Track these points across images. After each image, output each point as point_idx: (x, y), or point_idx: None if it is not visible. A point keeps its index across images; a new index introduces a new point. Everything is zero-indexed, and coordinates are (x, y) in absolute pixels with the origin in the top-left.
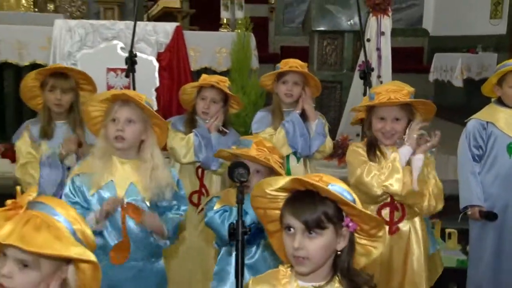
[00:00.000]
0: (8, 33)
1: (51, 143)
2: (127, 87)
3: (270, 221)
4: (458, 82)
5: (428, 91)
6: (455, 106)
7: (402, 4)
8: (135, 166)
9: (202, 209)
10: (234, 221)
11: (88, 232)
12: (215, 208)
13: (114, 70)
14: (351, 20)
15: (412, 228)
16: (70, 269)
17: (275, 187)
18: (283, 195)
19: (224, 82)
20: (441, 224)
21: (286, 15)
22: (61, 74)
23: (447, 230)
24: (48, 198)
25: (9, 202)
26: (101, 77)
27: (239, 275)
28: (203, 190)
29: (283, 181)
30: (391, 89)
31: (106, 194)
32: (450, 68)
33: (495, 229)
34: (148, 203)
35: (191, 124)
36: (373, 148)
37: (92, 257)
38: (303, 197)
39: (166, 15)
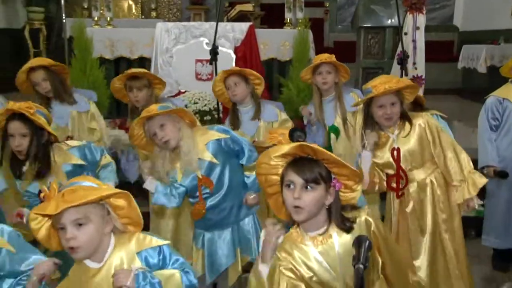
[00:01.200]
0: (122, 35)
1: None
2: (211, 74)
3: (269, 185)
4: (482, 69)
5: (457, 77)
6: (479, 89)
7: (435, 5)
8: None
9: None
10: None
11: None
12: None
13: (201, 61)
14: (392, 18)
15: (434, 180)
16: (112, 215)
17: (281, 153)
18: (283, 163)
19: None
20: None
21: (338, 16)
22: (134, 76)
23: None
24: (75, 178)
25: (42, 195)
26: (191, 66)
27: None
28: None
29: (288, 147)
30: (383, 81)
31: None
32: (476, 57)
33: (507, 185)
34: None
35: (234, 116)
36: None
37: (120, 190)
38: (304, 160)
39: (241, 17)
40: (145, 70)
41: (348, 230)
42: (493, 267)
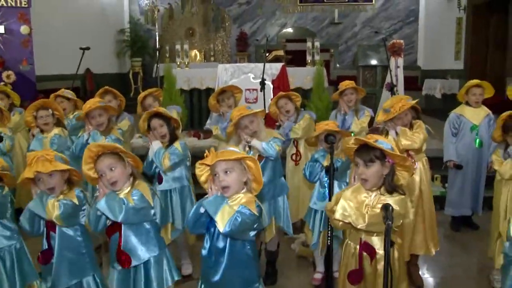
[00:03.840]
0: (194, 73)
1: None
2: (256, 98)
3: (352, 160)
4: (438, 96)
5: (421, 100)
6: (436, 109)
7: (405, 52)
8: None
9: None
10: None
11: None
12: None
13: (249, 89)
14: (380, 60)
15: (422, 166)
16: (247, 170)
17: (349, 143)
18: (355, 147)
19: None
20: (431, 173)
21: (340, 59)
22: (224, 91)
23: (435, 175)
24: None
25: (205, 154)
26: (242, 93)
27: (331, 193)
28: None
29: (352, 139)
30: (395, 102)
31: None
32: (434, 88)
33: (461, 174)
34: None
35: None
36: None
37: (250, 156)
38: (364, 147)
39: (276, 59)
40: (232, 85)
41: (391, 192)
42: (451, 228)
